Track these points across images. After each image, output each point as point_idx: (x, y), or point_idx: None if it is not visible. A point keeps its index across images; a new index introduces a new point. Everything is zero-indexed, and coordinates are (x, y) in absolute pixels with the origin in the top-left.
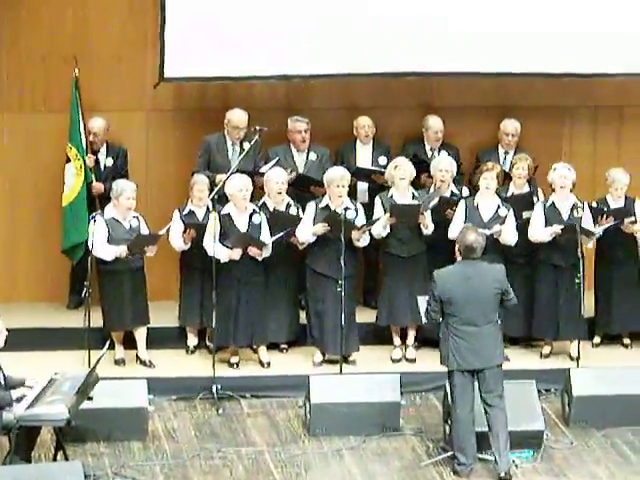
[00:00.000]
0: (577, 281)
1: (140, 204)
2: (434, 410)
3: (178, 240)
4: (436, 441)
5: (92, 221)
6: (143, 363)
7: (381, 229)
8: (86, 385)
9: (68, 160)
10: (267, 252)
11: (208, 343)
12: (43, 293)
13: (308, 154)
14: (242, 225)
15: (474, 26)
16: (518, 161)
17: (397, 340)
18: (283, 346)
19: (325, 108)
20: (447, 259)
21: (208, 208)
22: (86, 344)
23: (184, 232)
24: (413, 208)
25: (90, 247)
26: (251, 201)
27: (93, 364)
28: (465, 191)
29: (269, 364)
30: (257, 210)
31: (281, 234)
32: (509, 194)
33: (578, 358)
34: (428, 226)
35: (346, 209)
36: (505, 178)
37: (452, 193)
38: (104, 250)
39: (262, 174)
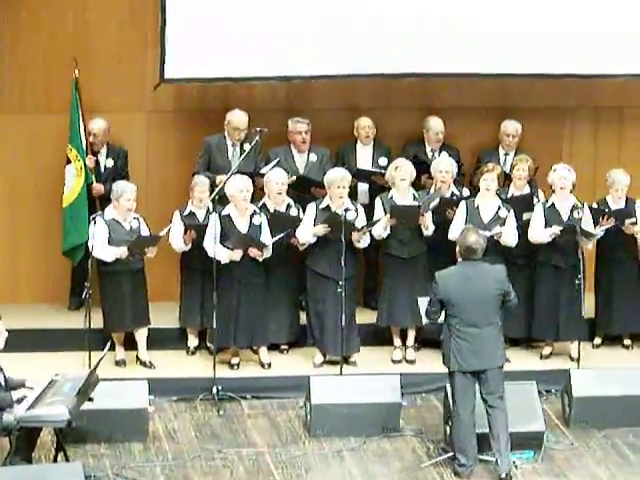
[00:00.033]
0: (577, 282)
1: (140, 205)
2: (435, 411)
3: (178, 241)
4: (437, 442)
5: (92, 222)
6: (143, 364)
7: (381, 230)
8: (87, 386)
9: (68, 161)
10: (267, 253)
11: (208, 344)
12: (44, 294)
13: (308, 155)
14: (242, 226)
15: (474, 27)
16: (518, 162)
17: (397, 341)
18: (283, 347)
19: (325, 109)
20: (447, 260)
21: (208, 209)
22: (87, 345)
23: (184, 233)
24: (413, 209)
25: (90, 248)
26: (251, 202)
27: (94, 365)
28: (465, 192)
29: (269, 365)
30: (257, 211)
31: (281, 235)
32: (509, 195)
33: (578, 359)
34: (428, 227)
35: (346, 210)
36: (505, 179)
37: (452, 194)
38: (104, 251)
39: (262, 175)
